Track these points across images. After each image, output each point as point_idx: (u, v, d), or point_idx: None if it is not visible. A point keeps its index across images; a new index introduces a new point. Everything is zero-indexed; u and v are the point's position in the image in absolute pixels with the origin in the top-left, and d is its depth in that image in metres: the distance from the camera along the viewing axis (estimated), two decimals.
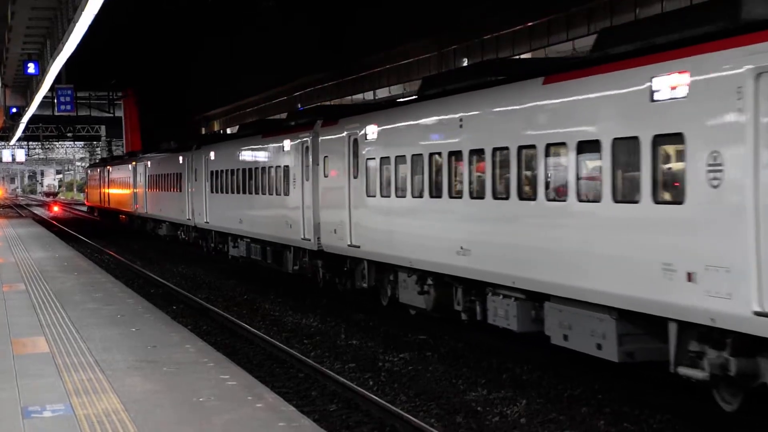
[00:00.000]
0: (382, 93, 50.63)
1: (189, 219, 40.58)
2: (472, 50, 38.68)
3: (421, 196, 19.18)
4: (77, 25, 25.62)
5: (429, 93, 19.57)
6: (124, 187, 58.06)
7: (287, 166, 27.13)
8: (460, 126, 17.62)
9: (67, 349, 14.44)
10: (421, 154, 19.09)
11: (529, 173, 15.59)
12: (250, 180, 31.23)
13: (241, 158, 32.56)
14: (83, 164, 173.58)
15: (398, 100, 26.99)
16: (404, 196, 19.93)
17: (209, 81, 66.65)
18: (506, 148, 16.01)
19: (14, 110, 59.58)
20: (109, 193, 65.81)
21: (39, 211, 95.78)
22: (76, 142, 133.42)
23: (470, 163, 17.26)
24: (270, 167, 28.91)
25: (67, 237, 49.14)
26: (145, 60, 66.69)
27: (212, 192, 36.34)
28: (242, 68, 59.40)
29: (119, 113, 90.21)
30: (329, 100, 53.64)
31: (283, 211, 27.45)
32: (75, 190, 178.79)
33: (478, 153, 16.97)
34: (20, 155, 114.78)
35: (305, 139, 25.64)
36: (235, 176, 33.08)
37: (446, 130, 18.18)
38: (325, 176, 24.32)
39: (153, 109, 77.61)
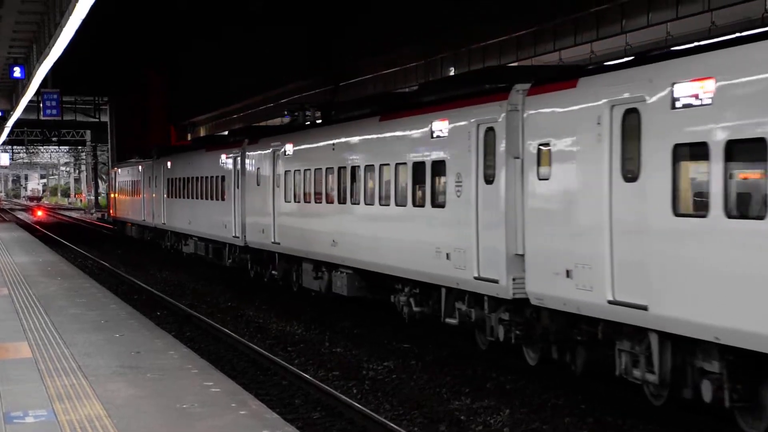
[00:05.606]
0: None
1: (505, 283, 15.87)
2: (460, 59, 38.74)
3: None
4: (64, 29, 25.54)
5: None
6: (204, 194, 35.11)
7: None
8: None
9: (50, 355, 14.39)
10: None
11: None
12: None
13: None
14: (68, 169, 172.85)
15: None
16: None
17: (196, 84, 66.27)
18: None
19: None
20: (163, 204, 42.44)
21: (23, 215, 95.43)
22: (60, 147, 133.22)
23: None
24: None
25: (50, 242, 49.00)
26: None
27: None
28: (230, 72, 59.18)
29: (105, 118, 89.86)
30: (315, 108, 53.52)
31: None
32: (59, 195, 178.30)
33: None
34: (4, 159, 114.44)
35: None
36: None
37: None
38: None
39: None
